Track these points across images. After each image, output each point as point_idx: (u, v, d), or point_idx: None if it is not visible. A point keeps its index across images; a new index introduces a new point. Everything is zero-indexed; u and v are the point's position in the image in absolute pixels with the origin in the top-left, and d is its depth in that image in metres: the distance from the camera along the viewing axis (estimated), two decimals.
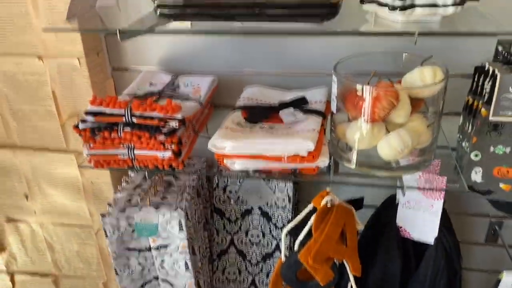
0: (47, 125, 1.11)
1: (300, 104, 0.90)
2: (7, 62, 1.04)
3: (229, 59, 1.02)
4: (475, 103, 0.85)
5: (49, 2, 0.95)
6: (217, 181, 1.08)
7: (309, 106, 0.90)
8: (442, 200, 0.88)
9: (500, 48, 0.87)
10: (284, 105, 0.90)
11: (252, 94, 0.96)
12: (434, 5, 0.66)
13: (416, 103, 0.75)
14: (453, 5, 0.64)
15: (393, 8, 0.66)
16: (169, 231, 0.97)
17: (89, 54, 1.01)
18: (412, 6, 0.66)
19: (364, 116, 0.72)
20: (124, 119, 0.79)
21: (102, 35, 1.04)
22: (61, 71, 1.03)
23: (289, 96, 0.95)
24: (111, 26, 0.86)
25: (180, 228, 0.96)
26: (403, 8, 0.66)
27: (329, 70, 0.76)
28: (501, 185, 0.85)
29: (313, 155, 0.77)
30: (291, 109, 0.88)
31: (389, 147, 0.72)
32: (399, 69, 0.82)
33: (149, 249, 1.01)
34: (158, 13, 0.75)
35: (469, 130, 0.86)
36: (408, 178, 0.88)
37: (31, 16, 0.98)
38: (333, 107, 0.79)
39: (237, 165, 0.81)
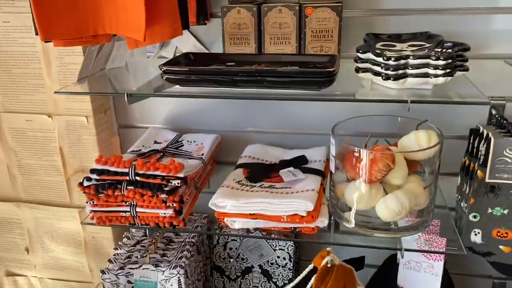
0: (53, 179, 1.13)
1: (300, 163, 0.92)
2: (19, 119, 1.08)
3: (232, 118, 1.05)
4: (472, 165, 0.86)
5: (62, 63, 1.00)
6: (217, 238, 1.08)
7: (309, 165, 0.92)
8: (443, 261, 0.87)
9: (493, 112, 0.90)
10: (284, 164, 0.92)
11: (253, 153, 0.99)
12: (426, 76, 0.69)
13: (413, 164, 0.77)
14: (443, 76, 0.68)
15: (386, 77, 0.70)
16: None
17: (97, 112, 1.05)
18: (405, 76, 0.70)
19: (361, 177, 0.74)
20: (128, 178, 0.81)
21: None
22: (69, 128, 1.07)
23: (289, 155, 0.97)
24: (120, 89, 0.90)
25: (179, 286, 0.95)
26: (396, 78, 0.69)
27: (328, 130, 0.79)
28: (501, 247, 0.85)
29: (312, 215, 0.78)
30: (291, 168, 0.90)
31: (387, 208, 0.73)
32: (395, 130, 0.85)
33: None
34: (164, 78, 0.79)
35: (467, 191, 0.87)
36: (408, 238, 0.88)
37: (44, 76, 1.03)
38: (332, 167, 0.81)
39: (237, 224, 0.82)
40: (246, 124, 1.05)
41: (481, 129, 0.84)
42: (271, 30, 0.87)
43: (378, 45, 0.78)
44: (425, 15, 0.90)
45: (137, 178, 0.81)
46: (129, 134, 1.12)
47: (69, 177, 1.12)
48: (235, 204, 0.79)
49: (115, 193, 0.82)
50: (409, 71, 0.69)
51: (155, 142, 1.00)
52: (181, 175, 0.81)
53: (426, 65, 0.69)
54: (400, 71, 0.69)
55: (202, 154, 0.95)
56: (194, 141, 1.00)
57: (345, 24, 0.87)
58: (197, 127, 1.07)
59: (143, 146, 0.98)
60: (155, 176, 0.80)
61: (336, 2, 0.85)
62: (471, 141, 0.88)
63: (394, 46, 0.79)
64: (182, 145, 0.99)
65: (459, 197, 0.93)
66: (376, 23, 0.92)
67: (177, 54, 0.98)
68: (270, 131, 1.05)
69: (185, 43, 0.99)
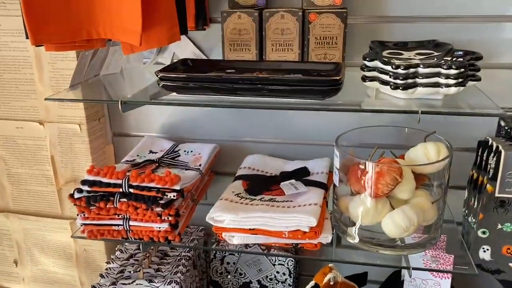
0: (43, 189, 1.09)
1: (301, 175, 0.89)
2: (9, 126, 1.05)
3: (232, 127, 1.02)
4: (480, 178, 0.83)
5: (54, 69, 0.97)
6: (214, 252, 1.04)
7: (311, 178, 0.88)
8: (450, 279, 0.84)
9: (502, 123, 0.87)
10: (285, 176, 0.89)
11: (253, 164, 0.95)
12: (437, 85, 0.66)
13: (420, 178, 0.73)
14: (455, 86, 0.65)
15: (395, 87, 0.67)
16: None
17: (91, 120, 1.01)
18: (415, 85, 0.67)
19: (367, 191, 0.70)
20: (121, 190, 0.77)
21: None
22: (61, 136, 1.03)
23: (290, 166, 0.94)
24: (114, 96, 0.86)
25: None
26: (406, 87, 0.66)
27: (331, 141, 0.76)
28: (511, 265, 0.82)
29: (315, 231, 0.74)
30: (292, 181, 0.86)
31: (394, 224, 0.70)
32: (401, 142, 0.81)
33: None
34: (161, 85, 0.76)
35: (475, 205, 0.84)
36: (414, 255, 0.84)
37: (36, 82, 0.99)
38: (335, 180, 0.77)
39: (236, 239, 0.78)
40: (246, 133, 1.02)
41: (490, 141, 0.82)
42: (273, 36, 0.84)
43: (385, 53, 0.75)
44: (430, 22, 0.87)
45: (131, 190, 0.77)
46: (123, 143, 1.08)
47: (60, 187, 1.08)
48: (234, 219, 0.76)
49: (108, 206, 0.78)
50: (419, 80, 0.66)
51: (151, 151, 0.97)
52: (177, 187, 0.77)
53: (437, 74, 0.66)
54: (410, 80, 0.66)
55: (200, 165, 0.91)
56: (191, 151, 0.97)
57: (349, 31, 0.85)
58: (194, 136, 1.03)
59: (138, 155, 0.94)
60: (149, 188, 0.77)
61: (340, 8, 0.82)
62: (480, 153, 0.85)
63: (401, 54, 0.76)
64: (179, 155, 0.95)
65: (466, 211, 0.89)
66: (380, 30, 0.89)
67: (175, 60, 0.95)
68: (271, 141, 1.01)
69: (183, 49, 0.96)
